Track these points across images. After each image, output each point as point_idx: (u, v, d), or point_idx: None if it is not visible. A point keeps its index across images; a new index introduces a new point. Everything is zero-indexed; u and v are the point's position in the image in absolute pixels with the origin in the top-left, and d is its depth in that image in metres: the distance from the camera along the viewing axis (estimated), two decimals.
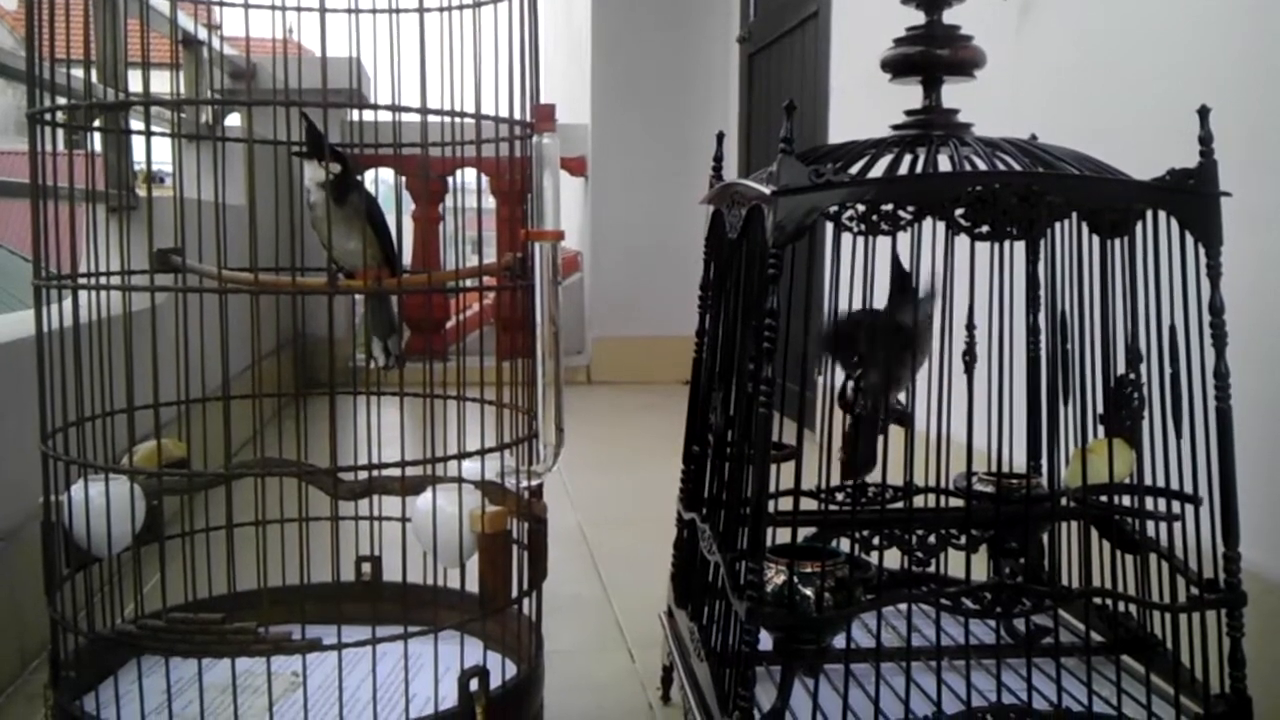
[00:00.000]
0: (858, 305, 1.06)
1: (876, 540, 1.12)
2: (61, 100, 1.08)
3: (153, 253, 1.09)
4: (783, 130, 0.93)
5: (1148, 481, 1.03)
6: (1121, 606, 1.12)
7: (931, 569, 1.11)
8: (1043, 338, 1.13)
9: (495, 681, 1.05)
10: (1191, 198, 0.96)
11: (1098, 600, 1.10)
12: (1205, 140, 0.96)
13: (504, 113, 1.08)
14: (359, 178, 1.14)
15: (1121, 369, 1.04)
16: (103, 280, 1.07)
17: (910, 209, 0.97)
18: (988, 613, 0.97)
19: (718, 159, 1.30)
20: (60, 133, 1.06)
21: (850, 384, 1.14)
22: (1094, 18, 1.72)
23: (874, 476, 1.20)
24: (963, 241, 0.96)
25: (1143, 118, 1.56)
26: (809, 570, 0.96)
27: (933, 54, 1.07)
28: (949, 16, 1.08)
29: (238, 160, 1.10)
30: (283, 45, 1.25)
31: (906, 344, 1.10)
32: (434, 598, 1.23)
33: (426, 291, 1.13)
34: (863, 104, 2.62)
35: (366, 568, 1.33)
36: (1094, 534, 1.06)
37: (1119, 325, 1.01)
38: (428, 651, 1.05)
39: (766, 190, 0.93)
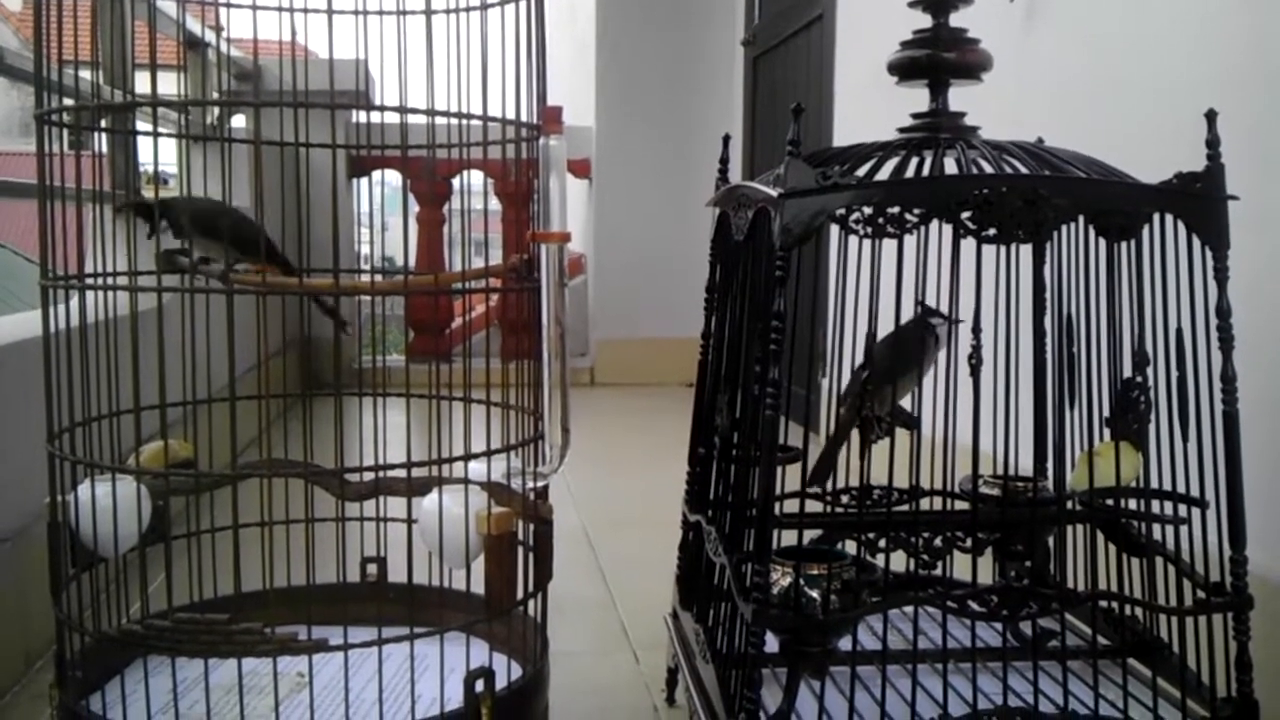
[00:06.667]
0: (864, 308, 1.06)
1: (882, 543, 1.11)
2: (69, 101, 1.08)
3: (159, 253, 1.09)
4: (790, 133, 0.93)
5: (1154, 484, 1.03)
6: (1128, 610, 1.11)
7: (937, 571, 1.11)
8: (1049, 341, 1.13)
9: (501, 682, 1.04)
10: (1198, 201, 0.96)
11: (1104, 603, 1.10)
12: (1212, 144, 0.96)
13: (511, 115, 1.08)
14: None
15: (1128, 372, 1.04)
16: (109, 281, 1.07)
17: (917, 212, 0.97)
18: (994, 615, 0.97)
19: (723, 161, 1.30)
20: (67, 133, 1.06)
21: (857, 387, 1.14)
22: (1100, 20, 1.72)
23: (880, 478, 1.20)
24: (969, 244, 0.96)
25: (1149, 120, 1.56)
26: (815, 572, 0.96)
27: (939, 57, 1.07)
28: (955, 19, 1.08)
29: (243, 161, 1.11)
30: (289, 47, 1.26)
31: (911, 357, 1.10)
32: (440, 599, 1.23)
33: (433, 293, 1.13)
34: (868, 107, 2.62)
35: (372, 568, 1.33)
36: (1100, 537, 1.06)
37: (1126, 328, 1.01)
38: (433, 652, 1.04)
39: (774, 193, 0.93)
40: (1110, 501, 1.06)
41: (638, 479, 2.70)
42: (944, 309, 1.10)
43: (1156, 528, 1.04)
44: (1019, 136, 1.06)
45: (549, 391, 1.10)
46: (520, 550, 1.10)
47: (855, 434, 1.14)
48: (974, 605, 0.97)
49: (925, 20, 1.08)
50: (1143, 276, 0.99)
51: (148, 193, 1.97)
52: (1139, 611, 1.11)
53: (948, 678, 0.97)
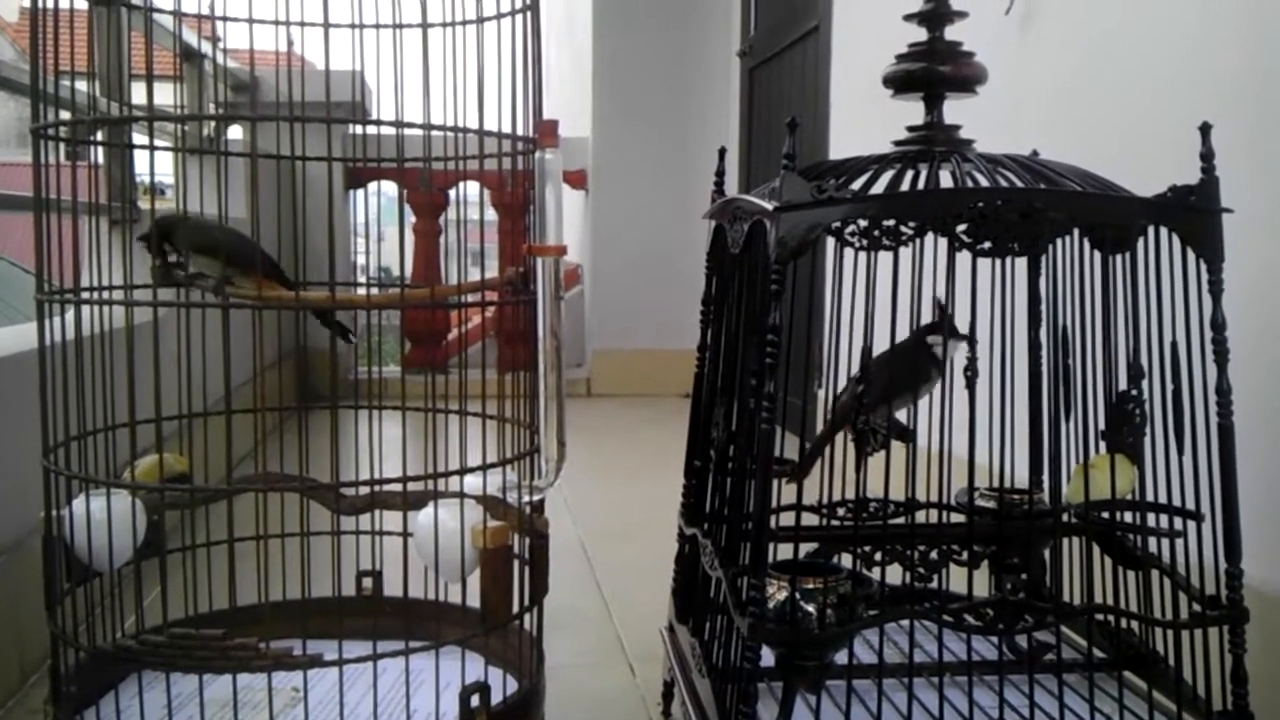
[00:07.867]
0: (860, 321, 1.06)
1: (878, 556, 1.11)
2: (65, 114, 1.08)
3: (155, 266, 1.09)
4: (785, 146, 0.93)
5: (1150, 497, 1.03)
6: (1124, 623, 1.11)
7: (934, 585, 1.11)
8: (1045, 353, 1.14)
9: (496, 697, 1.04)
10: (1193, 214, 0.96)
11: (1100, 616, 1.10)
12: (1207, 156, 0.96)
13: (507, 128, 1.08)
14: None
15: (1123, 385, 1.04)
16: (105, 294, 1.07)
17: (912, 225, 0.97)
18: (990, 629, 0.97)
19: (719, 173, 1.30)
20: (63, 145, 1.07)
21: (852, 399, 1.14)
22: (1094, 33, 1.73)
23: (876, 491, 1.20)
24: (965, 257, 0.97)
25: (1144, 133, 1.56)
26: (811, 586, 0.96)
27: (935, 70, 1.07)
28: (950, 32, 1.08)
29: (240, 174, 1.10)
30: (286, 59, 1.26)
31: (915, 371, 1.10)
32: (435, 613, 1.23)
33: (429, 306, 1.13)
34: (863, 119, 2.63)
35: (368, 583, 1.32)
36: (1096, 550, 1.06)
37: (1121, 341, 1.01)
38: (429, 667, 1.04)
39: (769, 206, 0.94)
40: (1106, 514, 1.06)
41: (634, 491, 2.69)
42: (950, 323, 1.10)
43: (1152, 540, 1.04)
44: (1014, 149, 1.06)
45: (545, 404, 1.10)
46: (516, 564, 1.10)
47: (850, 447, 1.15)
48: (970, 619, 0.97)
49: (920, 33, 1.08)
50: (1138, 289, 0.99)
51: (144, 204, 1.97)
52: (1135, 624, 1.11)
53: (944, 691, 0.97)
